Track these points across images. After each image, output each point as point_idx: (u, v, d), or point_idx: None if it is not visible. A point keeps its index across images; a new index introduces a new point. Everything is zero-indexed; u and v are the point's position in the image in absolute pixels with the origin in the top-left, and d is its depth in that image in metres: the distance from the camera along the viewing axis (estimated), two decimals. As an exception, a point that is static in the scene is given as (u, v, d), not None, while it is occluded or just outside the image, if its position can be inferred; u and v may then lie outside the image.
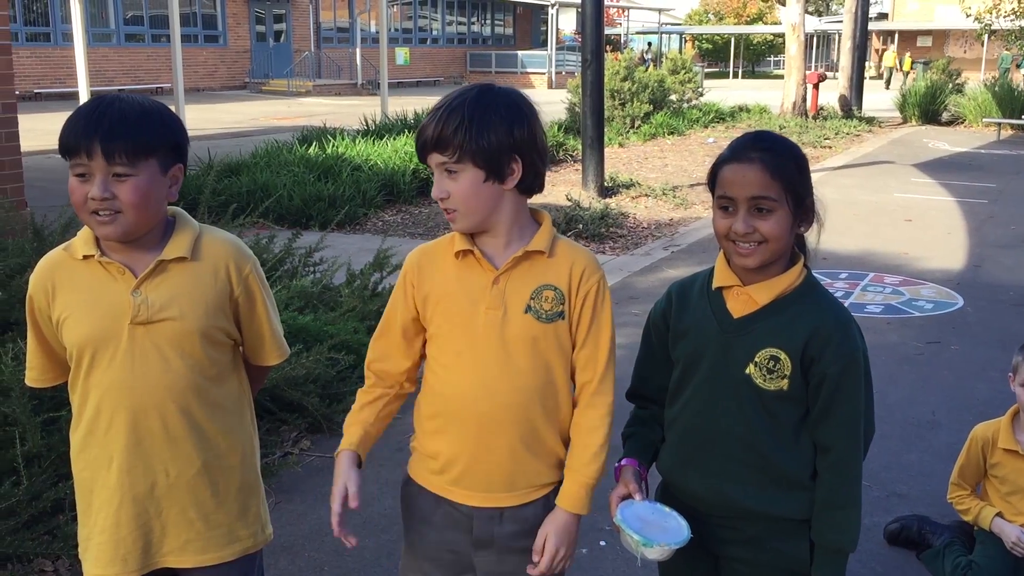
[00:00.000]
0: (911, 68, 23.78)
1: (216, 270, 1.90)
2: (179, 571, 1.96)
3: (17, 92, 6.23)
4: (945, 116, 20.85)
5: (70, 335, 1.84)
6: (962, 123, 20.27)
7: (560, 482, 1.90)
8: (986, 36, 27.65)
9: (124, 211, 1.77)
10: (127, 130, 1.76)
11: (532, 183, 1.83)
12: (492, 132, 1.74)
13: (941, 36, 46.52)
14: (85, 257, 1.84)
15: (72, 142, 1.75)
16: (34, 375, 1.98)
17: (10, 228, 4.80)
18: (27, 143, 6.73)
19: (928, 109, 20.68)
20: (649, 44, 44.71)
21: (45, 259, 1.90)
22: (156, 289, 1.84)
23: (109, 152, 1.74)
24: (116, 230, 1.79)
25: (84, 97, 14.29)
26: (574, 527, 1.87)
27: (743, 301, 1.89)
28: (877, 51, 47.80)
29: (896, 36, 47.31)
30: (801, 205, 1.85)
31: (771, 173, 1.81)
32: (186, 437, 1.88)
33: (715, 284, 1.93)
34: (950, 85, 21.85)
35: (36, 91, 24.17)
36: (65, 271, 1.86)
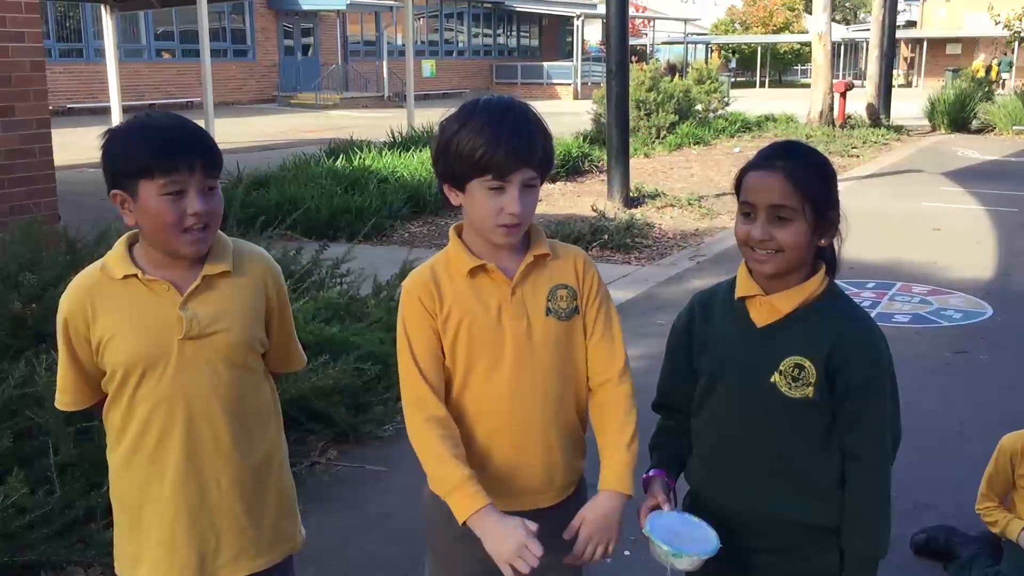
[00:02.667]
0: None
1: (256, 282, 1.94)
2: None
3: (50, 107, 6.33)
4: (975, 124, 20.63)
5: (115, 356, 1.84)
6: (992, 131, 20.04)
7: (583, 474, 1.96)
8: (1016, 43, 27.36)
9: (211, 224, 1.82)
10: (212, 143, 1.82)
11: None
12: (553, 149, 1.84)
13: (971, 44, 46.05)
14: (125, 277, 1.83)
15: (170, 160, 1.74)
16: (67, 399, 1.94)
17: (44, 242, 4.88)
18: (60, 158, 6.84)
19: (957, 117, 20.46)
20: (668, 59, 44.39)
21: (79, 281, 1.88)
22: (203, 304, 1.86)
23: (207, 165, 1.78)
24: (206, 245, 1.83)
25: (116, 112, 14.47)
26: (618, 511, 1.85)
27: (766, 310, 1.90)
28: (905, 59, 47.42)
29: (925, 44, 46.94)
30: (823, 217, 1.86)
31: (792, 183, 1.82)
32: (234, 445, 1.91)
33: (738, 294, 1.94)
34: (979, 93, 21.64)
35: (69, 106, 24.51)
36: (104, 292, 1.85)
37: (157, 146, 1.76)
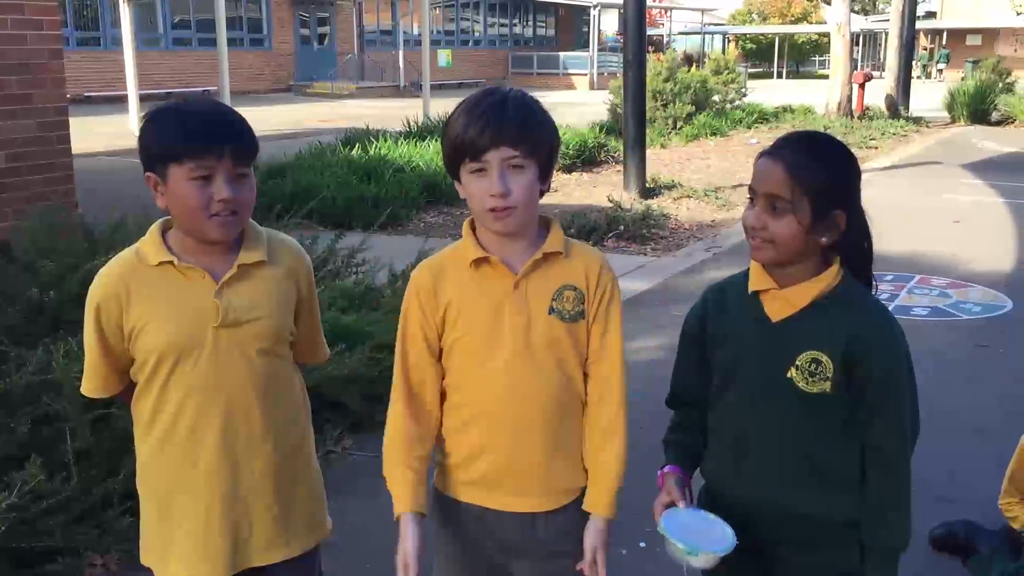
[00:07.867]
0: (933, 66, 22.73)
1: (289, 272, 1.94)
2: (260, 569, 1.98)
3: (68, 95, 6.35)
4: (995, 116, 20.43)
5: (149, 342, 1.83)
6: (1012, 123, 19.86)
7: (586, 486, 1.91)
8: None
9: (240, 211, 1.81)
10: (246, 130, 1.81)
11: (548, 185, 1.83)
12: (550, 131, 1.78)
13: (991, 35, 45.64)
14: (160, 263, 1.83)
15: (198, 145, 1.74)
16: (95, 385, 1.92)
17: (62, 229, 4.90)
18: (78, 146, 6.86)
19: (977, 109, 20.28)
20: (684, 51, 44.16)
21: (113, 267, 1.87)
22: (238, 293, 1.86)
23: (238, 152, 1.77)
24: (234, 231, 1.83)
25: (133, 100, 14.53)
26: (609, 528, 1.89)
27: (780, 304, 1.87)
28: (925, 49, 47.03)
29: (944, 35, 46.54)
30: (823, 215, 1.78)
31: (792, 174, 1.77)
32: (266, 433, 1.92)
33: (751, 287, 1.90)
34: (1000, 84, 21.42)
35: (86, 94, 24.59)
36: (139, 278, 1.84)
37: (187, 131, 1.75)
